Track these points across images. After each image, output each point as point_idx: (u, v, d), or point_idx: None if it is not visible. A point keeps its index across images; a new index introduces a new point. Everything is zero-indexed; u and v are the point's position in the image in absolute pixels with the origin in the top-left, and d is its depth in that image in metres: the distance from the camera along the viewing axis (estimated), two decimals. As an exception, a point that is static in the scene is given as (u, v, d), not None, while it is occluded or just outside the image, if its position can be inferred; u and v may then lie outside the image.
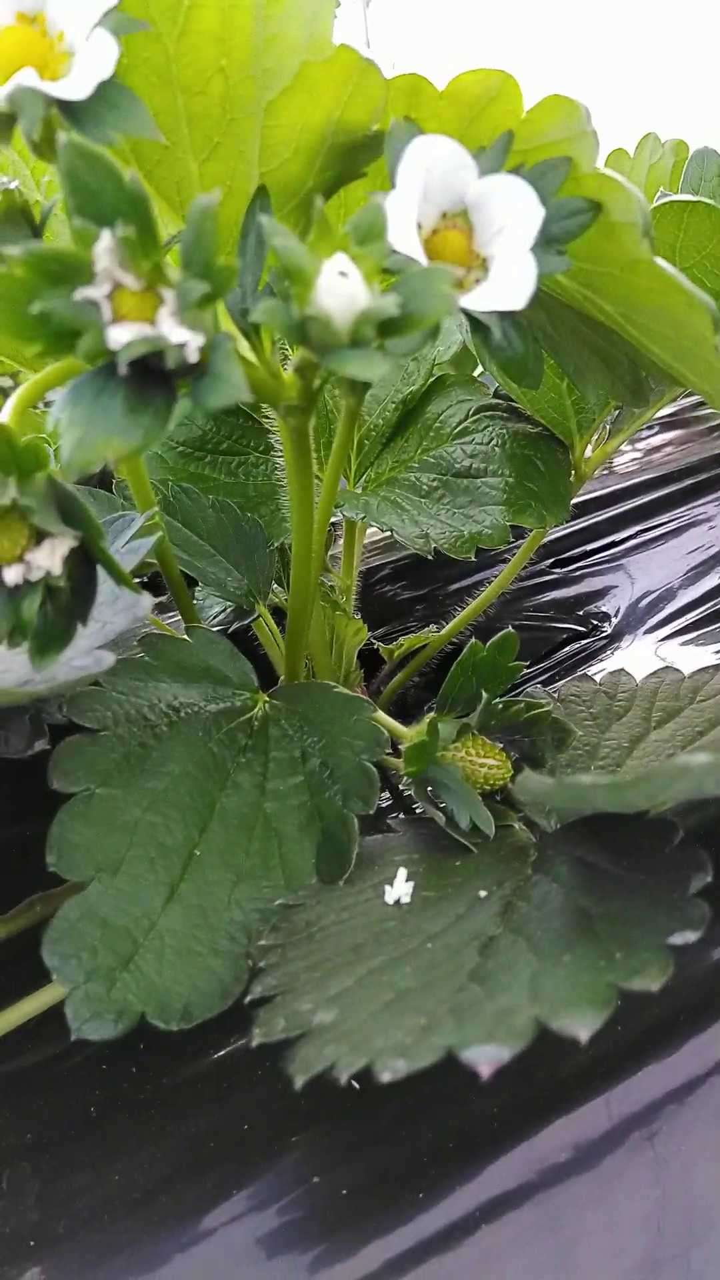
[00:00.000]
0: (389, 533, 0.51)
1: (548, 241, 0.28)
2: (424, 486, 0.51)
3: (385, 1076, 0.22)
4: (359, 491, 0.55)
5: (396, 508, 0.51)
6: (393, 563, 0.75)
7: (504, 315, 0.27)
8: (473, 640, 0.39)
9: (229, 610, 0.54)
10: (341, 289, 0.22)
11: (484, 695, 0.39)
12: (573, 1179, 0.32)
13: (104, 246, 0.22)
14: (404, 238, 0.26)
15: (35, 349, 0.23)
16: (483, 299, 0.26)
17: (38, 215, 0.32)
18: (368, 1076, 0.34)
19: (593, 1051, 0.35)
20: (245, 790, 0.39)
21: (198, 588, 0.54)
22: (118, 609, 0.33)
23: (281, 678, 0.54)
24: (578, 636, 0.62)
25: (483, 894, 0.33)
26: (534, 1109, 0.34)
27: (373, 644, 0.61)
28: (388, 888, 0.35)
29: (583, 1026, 0.22)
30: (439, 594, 0.71)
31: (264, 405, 0.49)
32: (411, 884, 0.34)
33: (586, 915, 0.28)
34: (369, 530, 0.61)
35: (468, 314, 0.27)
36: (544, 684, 0.57)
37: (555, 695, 0.46)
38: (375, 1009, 0.26)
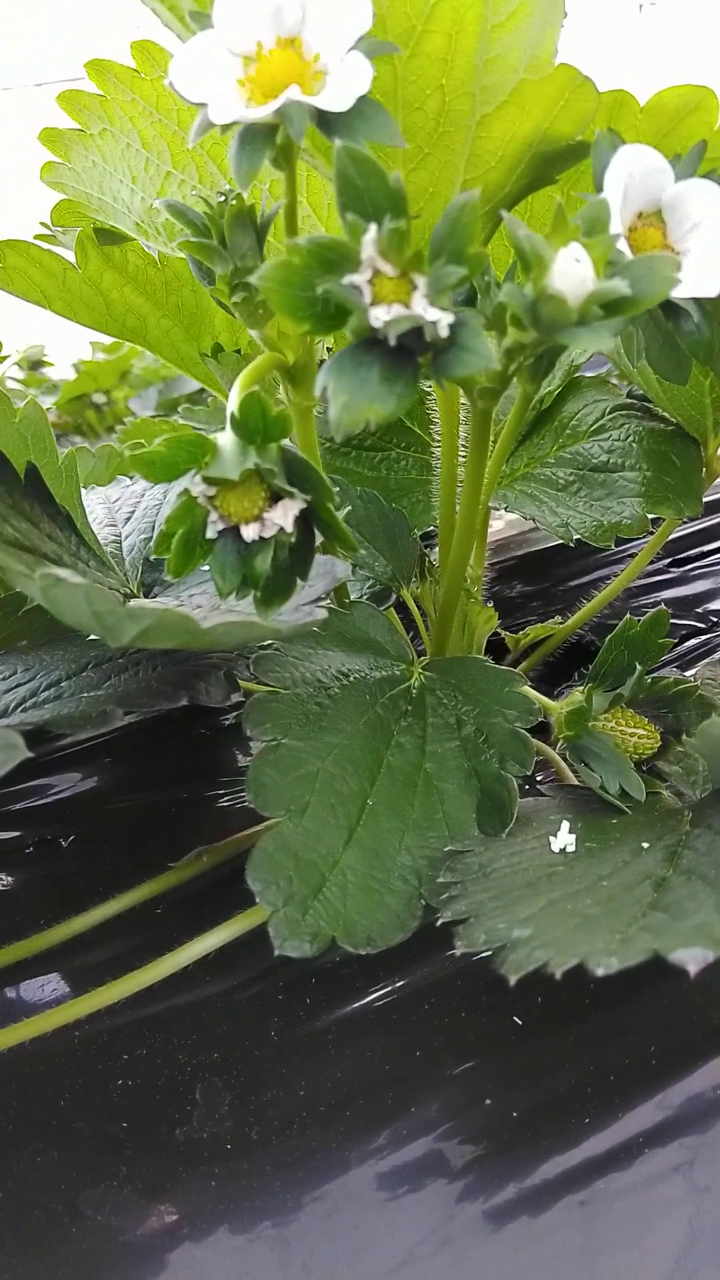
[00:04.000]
0: (511, 526, 0.54)
1: (736, 239, 0.31)
2: (560, 480, 0.54)
3: (599, 971, 0.25)
4: (495, 486, 0.58)
5: (534, 499, 0.54)
6: (504, 562, 0.78)
7: (698, 302, 0.30)
8: (627, 616, 0.41)
9: (364, 596, 0.57)
10: (575, 273, 0.26)
11: (637, 668, 0.41)
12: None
13: (370, 238, 0.25)
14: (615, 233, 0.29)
15: (304, 327, 0.26)
16: (682, 286, 0.29)
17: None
18: (530, 1011, 0.37)
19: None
20: (408, 750, 0.42)
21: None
22: (316, 573, 0.36)
23: (422, 658, 0.58)
24: (697, 632, 0.64)
25: (645, 845, 0.36)
26: (687, 1051, 0.36)
27: (498, 634, 0.63)
28: (552, 839, 0.37)
29: (781, 935, 0.25)
30: (552, 591, 0.73)
31: (424, 402, 0.53)
32: (574, 835, 0.37)
33: (758, 857, 0.31)
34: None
35: (664, 302, 0.30)
36: (668, 674, 0.59)
37: (694, 679, 0.48)
38: (568, 928, 0.29)
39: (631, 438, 0.53)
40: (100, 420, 1.81)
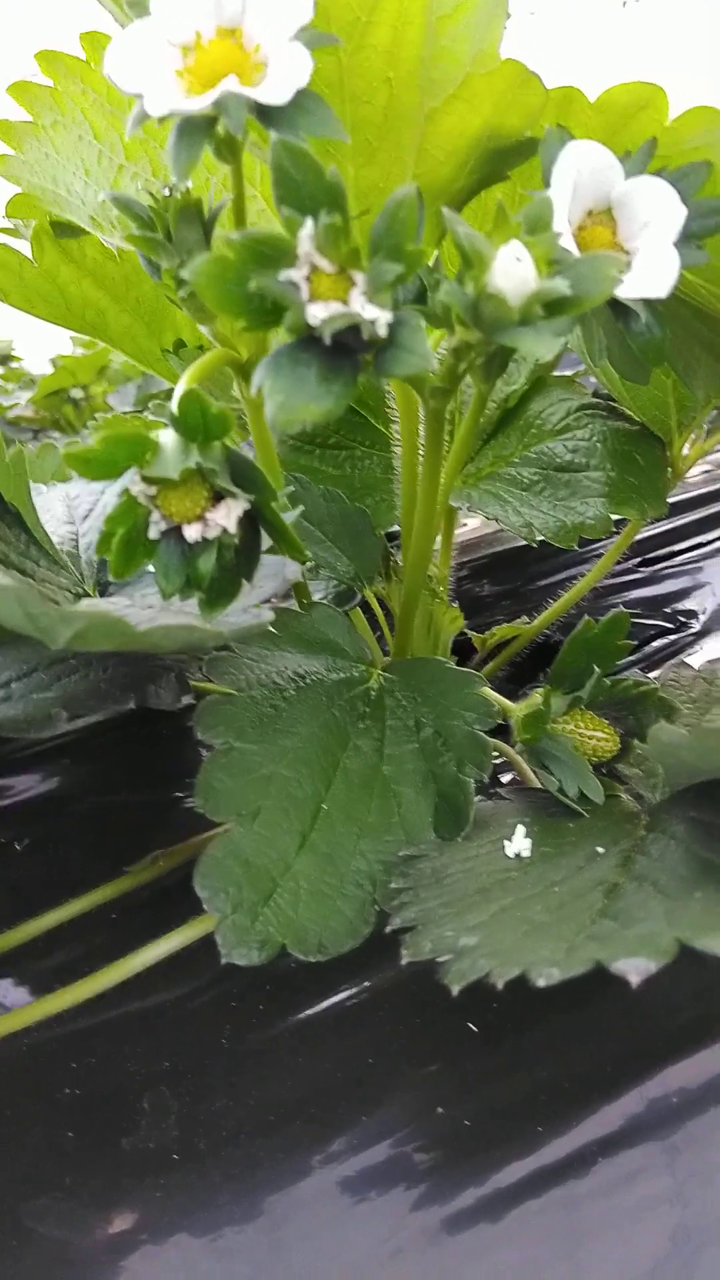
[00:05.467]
0: (482, 525, 0.54)
1: (688, 237, 0.30)
2: (525, 480, 0.54)
3: (540, 982, 0.25)
4: (459, 485, 0.57)
5: (498, 499, 0.53)
6: (475, 561, 0.77)
7: (647, 303, 0.29)
8: (586, 618, 0.41)
9: (330, 595, 0.57)
10: (516, 272, 0.25)
11: (595, 670, 0.41)
12: (688, 1119, 0.33)
13: (307, 232, 0.25)
14: (559, 231, 0.28)
15: (240, 324, 0.26)
16: (630, 287, 0.29)
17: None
18: (487, 1015, 0.37)
19: (702, 1007, 0.37)
20: (365, 754, 0.41)
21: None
22: (266, 574, 0.36)
23: (385, 658, 0.57)
24: (665, 632, 0.64)
25: (600, 850, 0.35)
26: (648, 1054, 0.36)
27: (465, 634, 0.63)
28: (507, 843, 0.37)
29: (724, 945, 0.24)
30: (523, 590, 0.73)
31: (385, 399, 0.52)
32: (529, 840, 0.37)
33: (710, 863, 0.30)
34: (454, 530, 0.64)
35: (612, 302, 0.30)
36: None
37: (655, 680, 0.48)
38: (516, 936, 0.28)
39: (596, 437, 0.53)
40: (79, 416, 1.80)
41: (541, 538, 0.50)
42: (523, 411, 0.56)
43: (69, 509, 0.54)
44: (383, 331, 0.25)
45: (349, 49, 0.30)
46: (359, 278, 0.25)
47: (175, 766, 0.56)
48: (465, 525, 0.83)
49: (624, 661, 0.63)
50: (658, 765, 0.42)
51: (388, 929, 0.32)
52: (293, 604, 0.49)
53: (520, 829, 0.37)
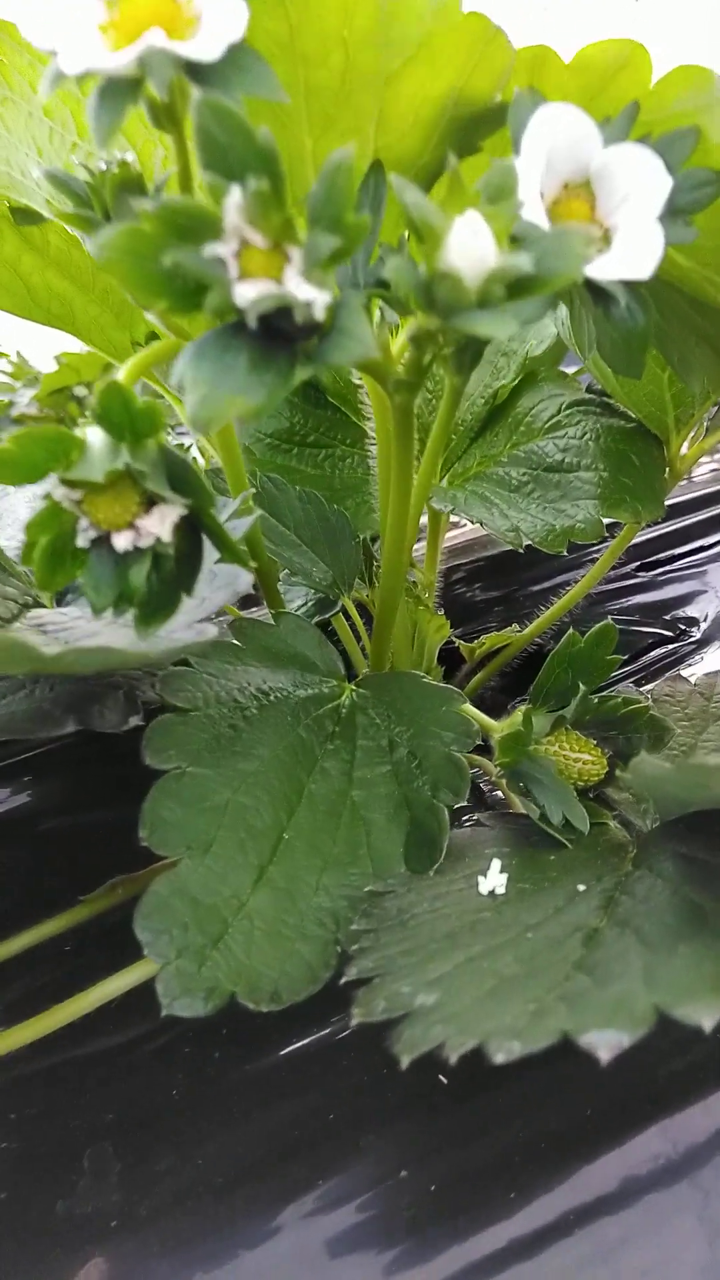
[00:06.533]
0: (478, 526, 0.51)
1: (674, 212, 0.27)
2: (513, 481, 0.50)
3: (499, 1058, 0.22)
4: (444, 486, 0.54)
5: (485, 501, 0.50)
6: (468, 564, 0.74)
7: (628, 285, 0.26)
8: (570, 631, 0.38)
9: (310, 602, 0.54)
10: (472, 247, 0.22)
11: (580, 688, 0.38)
12: (672, 1184, 0.30)
13: (234, 202, 0.22)
14: (529, 205, 0.25)
15: (161, 305, 0.23)
16: (608, 267, 0.26)
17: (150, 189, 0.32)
18: (460, 1067, 0.34)
19: (689, 1058, 0.34)
20: (333, 777, 0.38)
21: (278, 581, 0.54)
22: (216, 585, 0.33)
23: (365, 668, 0.54)
24: (665, 641, 0.60)
25: (581, 888, 0.32)
26: (630, 1113, 0.32)
27: (453, 642, 0.60)
28: (481, 879, 0.34)
29: (707, 1014, 0.21)
30: (518, 595, 0.70)
31: (358, 396, 0.49)
32: (505, 876, 0.34)
33: (699, 909, 0.27)
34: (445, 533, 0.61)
35: (589, 284, 0.26)
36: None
37: (648, 696, 0.45)
38: (479, 994, 0.25)
39: (589, 435, 0.50)
40: (83, 414, 1.78)
41: (529, 543, 0.46)
42: (511, 408, 0.53)
43: (32, 510, 0.51)
44: (319, 314, 0.22)
45: (298, 4, 0.27)
46: (294, 253, 0.22)
47: (145, 784, 0.53)
48: (463, 526, 0.79)
49: (619, 673, 0.60)
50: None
51: (342, 979, 0.29)
52: (261, 613, 0.46)
53: (496, 863, 0.34)
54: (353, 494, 0.54)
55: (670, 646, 0.59)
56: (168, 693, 0.37)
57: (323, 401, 0.55)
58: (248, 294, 0.22)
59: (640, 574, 0.66)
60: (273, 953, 0.32)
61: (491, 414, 0.54)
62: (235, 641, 0.40)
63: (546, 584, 0.69)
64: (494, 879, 0.33)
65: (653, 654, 0.60)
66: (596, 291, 0.27)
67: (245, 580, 0.33)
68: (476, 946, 0.29)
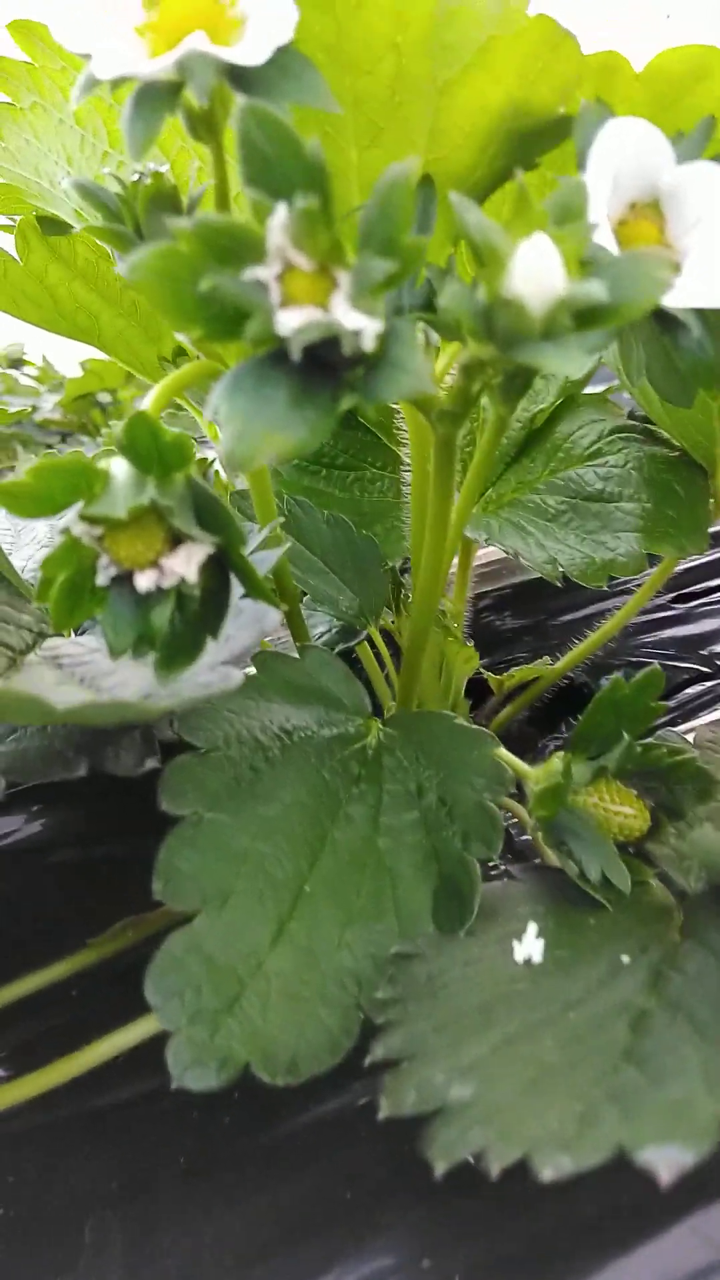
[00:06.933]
0: (510, 555, 0.49)
1: (751, 237, 0.25)
2: (550, 509, 0.48)
3: (547, 1174, 0.19)
4: (478, 512, 0.52)
5: (520, 530, 0.48)
6: (496, 590, 0.72)
7: (700, 313, 0.24)
8: (615, 676, 0.36)
9: (334, 630, 0.52)
10: (539, 273, 0.20)
11: (624, 736, 0.35)
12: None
13: (279, 221, 0.20)
14: (599, 227, 0.23)
15: (196, 332, 0.21)
16: (679, 294, 0.24)
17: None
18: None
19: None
20: (358, 824, 0.36)
21: (300, 606, 0.52)
22: (242, 623, 0.31)
23: (393, 703, 0.52)
24: (702, 677, 0.58)
25: (625, 959, 0.30)
26: (668, 1204, 0.30)
27: (480, 673, 0.58)
28: (515, 943, 0.31)
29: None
30: (548, 625, 0.68)
31: (394, 420, 0.47)
32: (542, 941, 0.31)
33: (759, 995, 0.25)
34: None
35: (658, 312, 0.24)
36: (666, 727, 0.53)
37: (689, 741, 0.43)
38: (518, 1086, 0.23)
39: (631, 464, 0.47)
40: (106, 420, 1.77)
41: (566, 575, 0.44)
42: (550, 433, 0.51)
43: (51, 533, 0.50)
44: (369, 345, 0.20)
45: (348, 6, 0.25)
46: (342, 278, 0.20)
47: (162, 815, 0.51)
48: (485, 551, 0.77)
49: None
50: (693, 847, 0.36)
51: (367, 1060, 0.26)
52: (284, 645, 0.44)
53: (532, 926, 0.32)
54: (382, 519, 0.52)
55: (708, 684, 0.57)
56: (186, 731, 0.34)
57: (354, 422, 0.53)
58: (291, 322, 0.20)
59: (676, 605, 0.64)
60: (291, 1017, 0.30)
61: (528, 438, 0.52)
62: (259, 676, 0.38)
63: (578, 614, 0.67)
64: (529, 945, 0.31)
65: (688, 691, 0.57)
66: (664, 319, 0.25)
67: (273, 618, 0.31)
68: (513, 1024, 0.27)
